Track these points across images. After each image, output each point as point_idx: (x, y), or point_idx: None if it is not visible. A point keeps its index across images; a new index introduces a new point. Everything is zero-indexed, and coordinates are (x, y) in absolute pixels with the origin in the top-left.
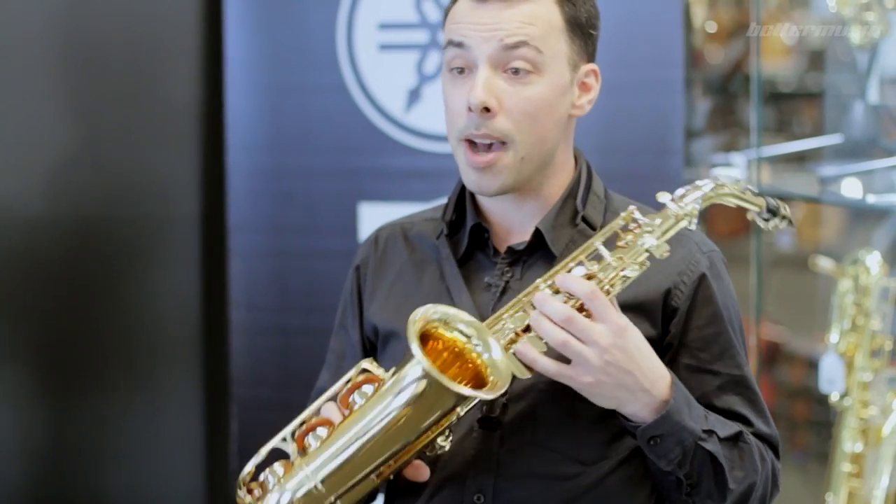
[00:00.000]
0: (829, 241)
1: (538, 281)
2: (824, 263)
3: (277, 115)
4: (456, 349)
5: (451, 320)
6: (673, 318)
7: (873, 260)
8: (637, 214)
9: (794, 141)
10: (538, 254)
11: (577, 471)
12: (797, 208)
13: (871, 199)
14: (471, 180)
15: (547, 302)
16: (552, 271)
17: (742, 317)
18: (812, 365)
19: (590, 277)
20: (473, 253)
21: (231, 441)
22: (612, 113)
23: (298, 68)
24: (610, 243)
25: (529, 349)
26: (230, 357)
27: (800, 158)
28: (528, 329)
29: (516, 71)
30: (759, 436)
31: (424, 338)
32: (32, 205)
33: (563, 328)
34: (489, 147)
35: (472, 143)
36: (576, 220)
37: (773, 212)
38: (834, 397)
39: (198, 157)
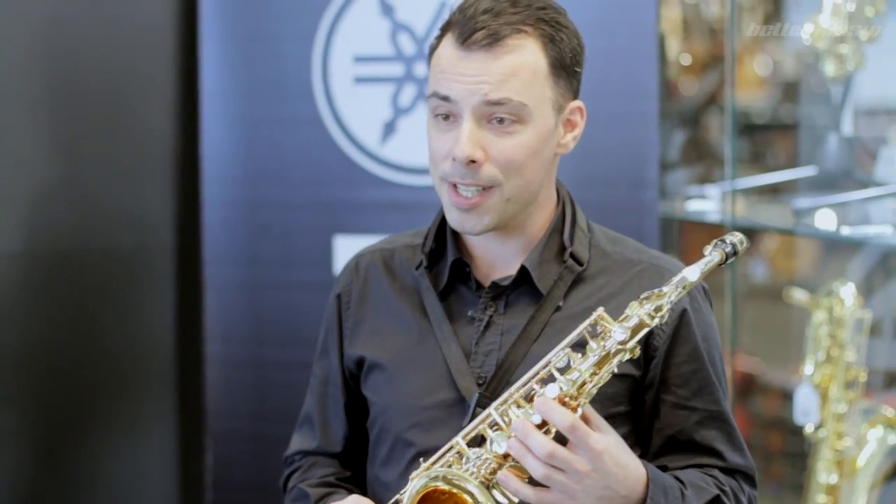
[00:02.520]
0: (803, 273)
1: (512, 392)
2: (798, 295)
3: (253, 147)
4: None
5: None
6: (654, 359)
7: (847, 291)
8: (606, 316)
9: (769, 173)
10: (522, 289)
11: None
12: (771, 240)
13: (846, 230)
14: (454, 219)
15: (530, 435)
16: (521, 382)
17: None
18: (787, 396)
19: (562, 401)
20: (455, 285)
21: (206, 473)
22: (587, 145)
23: (274, 101)
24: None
25: (512, 480)
26: (205, 389)
27: (774, 190)
28: (507, 455)
29: (501, 120)
30: (736, 469)
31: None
32: (9, 238)
33: (544, 462)
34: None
35: (455, 185)
36: (563, 256)
37: (734, 253)
38: (809, 429)
39: (173, 188)
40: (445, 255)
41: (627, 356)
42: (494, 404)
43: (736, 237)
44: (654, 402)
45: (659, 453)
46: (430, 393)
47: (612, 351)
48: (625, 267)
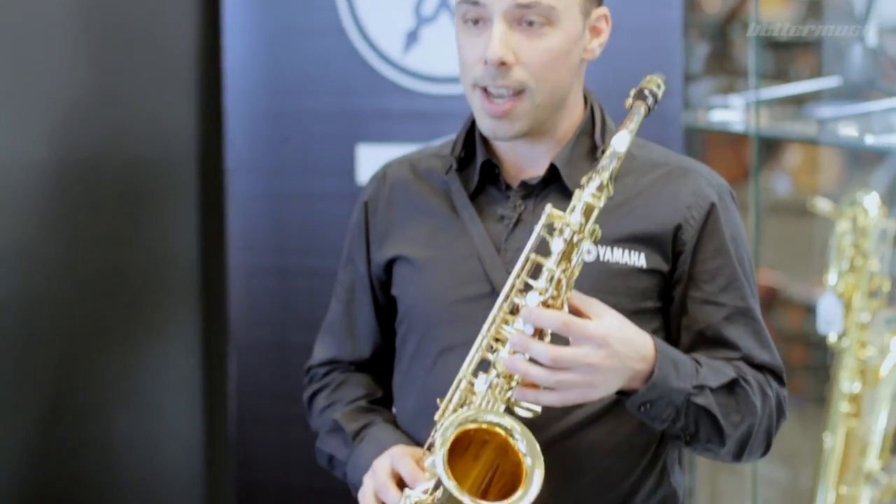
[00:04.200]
0: (826, 187)
1: (496, 312)
2: (822, 205)
3: (275, 57)
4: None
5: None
6: (682, 254)
7: (871, 201)
8: (556, 211)
9: (792, 83)
10: (552, 187)
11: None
12: (794, 154)
13: (870, 139)
14: (486, 126)
15: (529, 348)
16: (500, 299)
17: None
18: (810, 310)
19: (546, 304)
20: (484, 187)
21: (229, 382)
22: (610, 56)
23: (296, 11)
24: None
25: (529, 393)
26: (228, 299)
27: (798, 102)
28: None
29: (531, 23)
30: (763, 366)
31: (465, 440)
32: (34, 148)
33: (552, 368)
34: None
35: (487, 91)
36: (595, 154)
37: (656, 101)
38: (832, 338)
39: (196, 99)
40: (474, 160)
41: (590, 240)
42: (484, 328)
43: (651, 83)
44: (682, 298)
45: (688, 350)
46: (460, 287)
47: (573, 240)
48: (651, 168)
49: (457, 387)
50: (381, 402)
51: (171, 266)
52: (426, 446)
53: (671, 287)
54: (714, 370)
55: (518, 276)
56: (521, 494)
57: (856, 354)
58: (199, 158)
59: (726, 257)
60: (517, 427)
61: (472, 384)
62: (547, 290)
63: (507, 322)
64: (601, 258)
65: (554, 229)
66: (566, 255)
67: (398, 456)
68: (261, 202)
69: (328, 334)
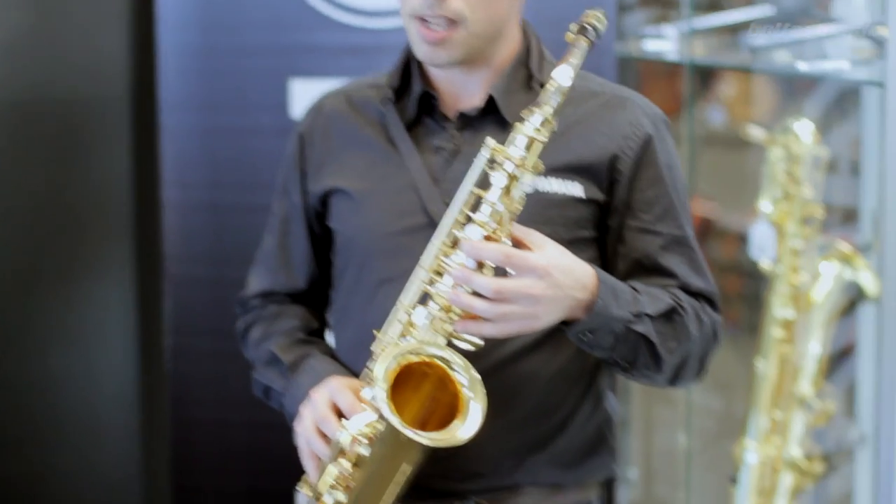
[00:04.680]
0: (761, 118)
1: (437, 244)
2: (755, 132)
3: None
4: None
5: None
6: (618, 183)
7: (804, 128)
8: (498, 145)
9: (725, 12)
10: (489, 118)
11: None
12: (729, 84)
13: (803, 66)
14: (422, 52)
15: (471, 280)
16: (441, 232)
17: None
18: (743, 240)
19: (488, 238)
20: (421, 118)
21: (164, 318)
22: None
23: None
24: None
25: (471, 325)
26: (163, 235)
27: (731, 31)
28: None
29: None
30: (699, 293)
31: (405, 372)
32: None
33: (495, 300)
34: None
35: (423, 19)
36: (531, 83)
37: (597, 35)
38: (765, 265)
39: (128, 36)
40: (411, 90)
41: (532, 174)
42: (424, 260)
43: (590, 17)
44: (618, 226)
45: (624, 278)
46: (398, 219)
47: (514, 174)
48: (588, 98)
49: (394, 318)
50: (317, 333)
51: (105, 203)
52: (363, 376)
53: (607, 216)
54: (652, 298)
55: (459, 209)
56: (457, 424)
57: (789, 281)
58: (132, 95)
59: (663, 186)
60: (457, 360)
61: (410, 316)
62: (488, 224)
63: (446, 255)
64: (538, 188)
65: (495, 163)
66: (507, 189)
67: (336, 387)
68: (194, 138)
69: (262, 266)
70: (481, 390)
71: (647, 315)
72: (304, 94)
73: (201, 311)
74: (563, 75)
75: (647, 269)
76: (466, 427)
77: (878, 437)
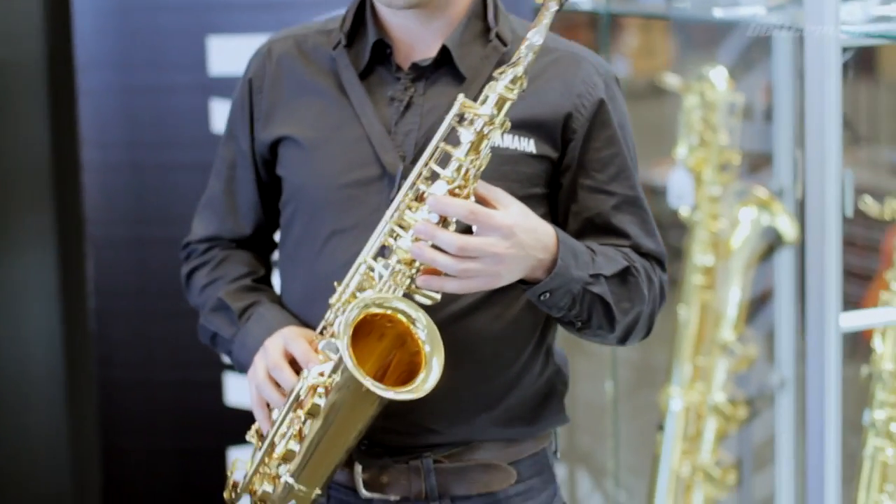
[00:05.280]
0: (664, 69)
1: (402, 198)
2: (671, 80)
3: None
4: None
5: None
6: (572, 141)
7: (719, 75)
8: (468, 101)
9: None
10: (443, 70)
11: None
12: (632, 36)
13: (718, 13)
14: None
15: (435, 236)
16: (407, 185)
17: None
18: (658, 193)
19: (453, 193)
20: (374, 68)
21: (88, 281)
22: None
23: None
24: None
25: (433, 280)
26: (83, 196)
27: None
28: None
29: None
30: (648, 254)
31: (364, 325)
32: None
33: (458, 257)
34: None
35: None
36: (488, 36)
37: None
38: (683, 212)
39: None
40: (364, 37)
41: (500, 131)
42: (388, 214)
43: None
44: (571, 185)
45: (576, 236)
46: (350, 170)
47: (483, 131)
48: (543, 54)
49: (356, 271)
50: (264, 279)
51: (24, 167)
52: (319, 329)
53: (559, 174)
54: (608, 258)
55: (426, 163)
56: (423, 377)
57: (707, 227)
58: (48, 56)
59: (616, 146)
60: (420, 316)
61: (371, 269)
62: (455, 180)
63: (410, 209)
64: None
65: (464, 119)
66: (475, 146)
67: (291, 337)
68: (112, 97)
69: (208, 210)
70: (440, 347)
71: (604, 276)
72: (221, 52)
73: (124, 272)
74: (536, 34)
75: (599, 229)
76: (426, 383)
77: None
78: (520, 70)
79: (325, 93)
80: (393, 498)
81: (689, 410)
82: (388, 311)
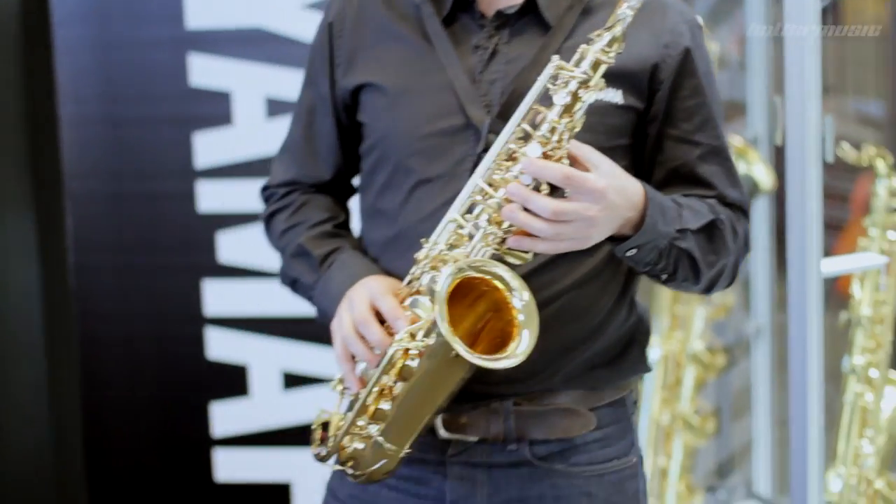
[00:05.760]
0: None
1: (493, 157)
2: None
3: None
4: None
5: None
6: (658, 91)
7: None
8: (563, 62)
9: None
10: (528, 18)
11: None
12: None
13: None
14: None
15: (530, 200)
16: (498, 145)
17: None
18: None
19: (547, 156)
20: (457, 15)
21: (67, 236)
22: None
23: None
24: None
25: (524, 241)
26: (61, 152)
27: None
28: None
29: None
30: (733, 204)
31: (465, 287)
32: None
33: (552, 221)
34: None
35: None
36: None
37: None
38: None
39: None
40: None
41: (595, 94)
42: (479, 171)
43: None
44: (657, 135)
45: (659, 186)
46: (435, 119)
47: (578, 93)
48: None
49: (444, 228)
50: (344, 225)
51: (0, 122)
52: (406, 281)
53: (646, 124)
54: (694, 212)
55: (518, 123)
56: (514, 346)
57: None
58: (24, 10)
59: (703, 96)
60: (516, 283)
61: (461, 227)
62: (549, 142)
63: (501, 169)
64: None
65: (558, 80)
66: (569, 108)
67: (378, 292)
68: (89, 52)
69: (287, 155)
70: (535, 319)
71: (690, 230)
72: (199, 5)
73: (103, 227)
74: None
75: (684, 179)
76: (518, 353)
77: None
78: (618, 31)
79: (407, 39)
80: (471, 439)
81: (668, 359)
82: (487, 277)
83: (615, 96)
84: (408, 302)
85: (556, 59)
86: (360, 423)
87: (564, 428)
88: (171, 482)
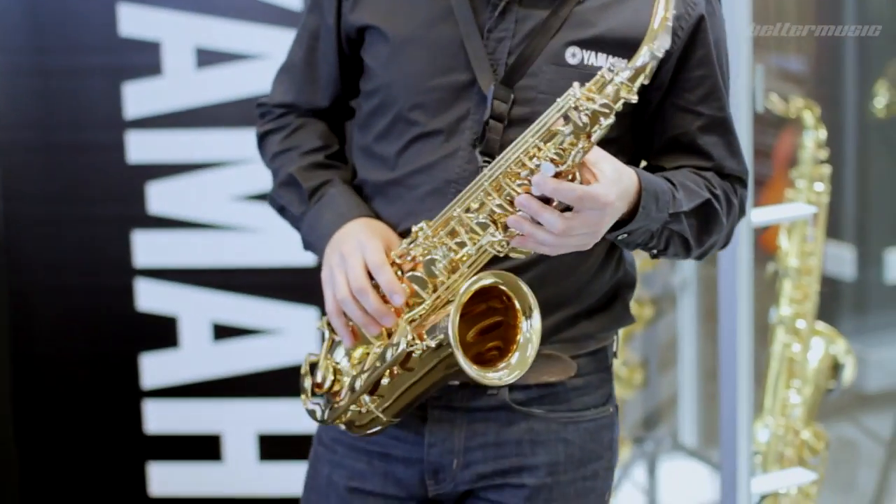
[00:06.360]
0: None
1: (490, 171)
2: None
3: None
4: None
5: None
6: (667, 62)
7: None
8: (583, 92)
9: None
10: None
11: None
12: None
13: None
14: None
15: (540, 214)
16: (510, 153)
17: None
18: None
19: (558, 175)
20: None
21: None
22: None
23: None
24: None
25: (528, 242)
26: None
27: None
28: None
29: None
30: (731, 174)
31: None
32: None
33: (559, 236)
34: None
35: None
36: None
37: None
38: None
39: None
40: None
41: (613, 118)
42: (486, 175)
43: None
44: (660, 103)
45: (658, 153)
46: (441, 73)
47: (597, 119)
48: None
49: (449, 219)
50: (337, 155)
51: None
52: (404, 247)
53: (649, 92)
54: (689, 192)
55: (533, 142)
56: (506, 363)
57: None
58: None
59: (710, 67)
60: (530, 300)
61: (463, 223)
62: (563, 162)
63: (510, 176)
64: (585, 62)
65: (578, 108)
66: (586, 133)
67: (374, 258)
68: (16, 1)
69: (287, 76)
70: (534, 346)
71: (684, 213)
72: None
73: (33, 177)
74: (662, 43)
75: (682, 148)
76: (511, 371)
77: (701, 281)
78: (642, 71)
79: None
80: (454, 383)
81: None
82: (501, 286)
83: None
84: (407, 276)
85: (577, 91)
86: (363, 399)
87: (546, 373)
88: (102, 434)
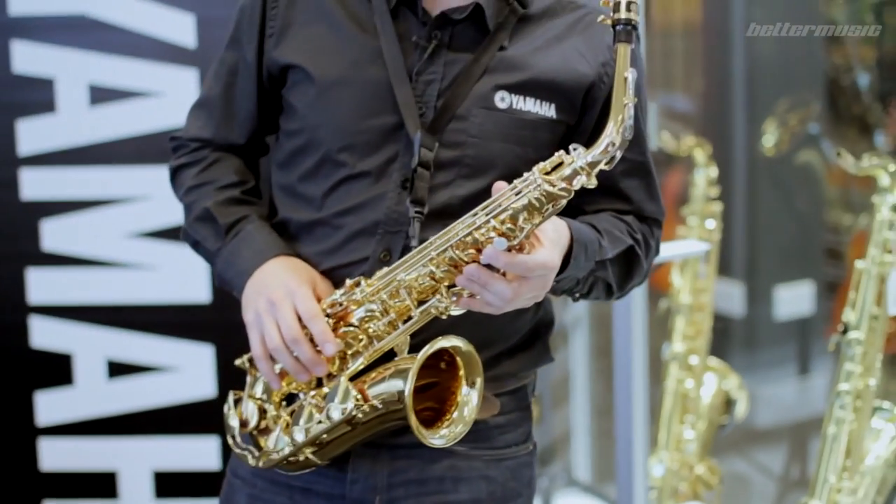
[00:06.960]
0: None
1: (439, 240)
2: None
3: None
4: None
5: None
6: (591, 109)
7: None
8: (544, 175)
9: None
10: (468, 24)
11: None
12: None
13: None
14: None
15: (491, 283)
16: (460, 228)
17: None
18: None
19: (510, 249)
20: (400, 9)
21: None
22: None
23: None
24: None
25: (474, 304)
26: None
27: None
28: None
29: None
30: (650, 217)
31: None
32: None
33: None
34: None
35: None
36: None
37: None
38: None
39: None
40: None
41: (567, 199)
42: (434, 245)
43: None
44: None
45: (579, 195)
46: (370, 115)
47: (556, 201)
48: (570, 10)
49: (388, 282)
50: (253, 191)
51: None
52: (333, 299)
53: (573, 137)
54: (613, 239)
55: (485, 213)
56: (443, 426)
57: None
58: None
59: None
60: (479, 371)
61: (409, 281)
62: (514, 237)
63: (459, 247)
64: (513, 106)
65: (535, 189)
66: (539, 210)
67: (310, 313)
68: None
69: (203, 110)
70: (470, 414)
71: (608, 260)
72: None
73: None
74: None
75: (605, 191)
76: (453, 435)
77: (592, 318)
78: (599, 157)
79: (343, 26)
80: None
81: None
82: (457, 356)
83: (549, 110)
84: (342, 329)
85: (537, 171)
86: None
87: None
88: None
